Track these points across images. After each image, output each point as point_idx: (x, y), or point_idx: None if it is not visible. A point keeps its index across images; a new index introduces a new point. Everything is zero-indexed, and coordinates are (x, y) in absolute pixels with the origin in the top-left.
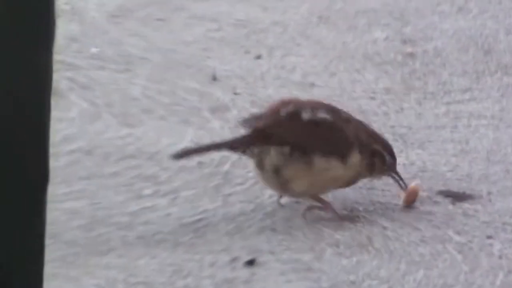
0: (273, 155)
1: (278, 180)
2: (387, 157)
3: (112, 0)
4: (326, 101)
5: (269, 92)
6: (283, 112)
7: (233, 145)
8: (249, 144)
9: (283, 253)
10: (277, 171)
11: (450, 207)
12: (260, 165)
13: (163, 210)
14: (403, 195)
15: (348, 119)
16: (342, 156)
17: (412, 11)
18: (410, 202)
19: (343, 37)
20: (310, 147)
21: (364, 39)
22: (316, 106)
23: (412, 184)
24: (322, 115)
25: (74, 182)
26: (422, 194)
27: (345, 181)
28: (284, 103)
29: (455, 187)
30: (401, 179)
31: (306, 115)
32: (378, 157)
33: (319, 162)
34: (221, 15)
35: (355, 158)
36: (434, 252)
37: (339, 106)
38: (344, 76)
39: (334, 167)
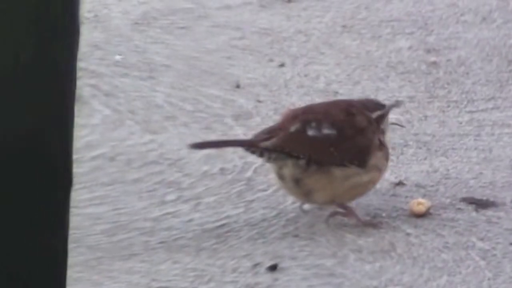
0: (290, 167)
1: (300, 190)
2: (383, 110)
3: (136, 8)
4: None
5: (292, 100)
6: (292, 128)
7: (251, 146)
8: (266, 150)
9: (306, 258)
10: (297, 181)
11: (474, 214)
12: (280, 176)
13: (186, 216)
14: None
15: (358, 127)
16: (361, 161)
17: (436, 21)
18: (417, 213)
19: (367, 46)
20: (324, 159)
21: (388, 48)
22: (321, 118)
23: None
24: (326, 131)
25: (97, 188)
26: (445, 201)
27: (374, 183)
28: (293, 117)
29: (478, 195)
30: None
31: (311, 132)
32: (381, 122)
33: (338, 172)
34: (244, 24)
35: (375, 158)
36: (457, 258)
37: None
38: (368, 84)
39: (354, 174)
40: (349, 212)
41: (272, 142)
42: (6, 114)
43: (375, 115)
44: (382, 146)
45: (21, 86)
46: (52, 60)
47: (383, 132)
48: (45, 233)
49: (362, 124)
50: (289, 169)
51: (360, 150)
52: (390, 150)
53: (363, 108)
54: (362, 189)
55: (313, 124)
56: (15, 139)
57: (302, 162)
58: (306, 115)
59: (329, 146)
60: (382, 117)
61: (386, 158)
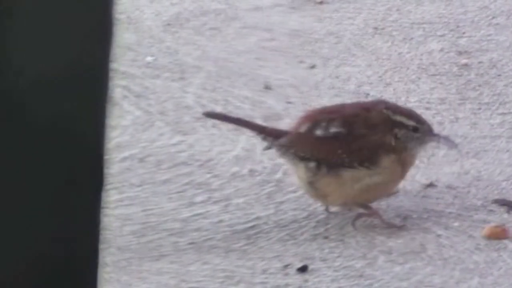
0: (303, 169)
1: (315, 193)
2: (411, 123)
3: (167, 9)
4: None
5: (323, 102)
6: (302, 128)
7: (262, 133)
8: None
9: (335, 260)
10: (311, 184)
11: (505, 215)
12: (297, 178)
13: (215, 217)
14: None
15: (369, 123)
16: (370, 163)
17: (467, 23)
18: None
19: (398, 48)
20: (334, 161)
21: (420, 50)
22: (333, 117)
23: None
24: (334, 129)
25: (127, 189)
26: (477, 202)
27: (387, 186)
28: (307, 117)
29: (510, 196)
30: (447, 138)
31: (319, 132)
32: (398, 127)
33: (347, 174)
34: (274, 25)
35: (386, 160)
36: (488, 260)
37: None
38: (399, 86)
39: (364, 176)
40: (372, 213)
41: (281, 140)
42: (40, 114)
43: (396, 117)
44: (396, 149)
45: (55, 88)
46: (86, 61)
47: (395, 137)
48: (77, 234)
49: (374, 121)
50: (302, 172)
51: (370, 149)
52: (410, 164)
53: (389, 107)
54: (374, 191)
55: (323, 124)
56: (49, 140)
57: (312, 164)
58: (320, 115)
59: (337, 148)
60: (402, 125)
61: (402, 165)
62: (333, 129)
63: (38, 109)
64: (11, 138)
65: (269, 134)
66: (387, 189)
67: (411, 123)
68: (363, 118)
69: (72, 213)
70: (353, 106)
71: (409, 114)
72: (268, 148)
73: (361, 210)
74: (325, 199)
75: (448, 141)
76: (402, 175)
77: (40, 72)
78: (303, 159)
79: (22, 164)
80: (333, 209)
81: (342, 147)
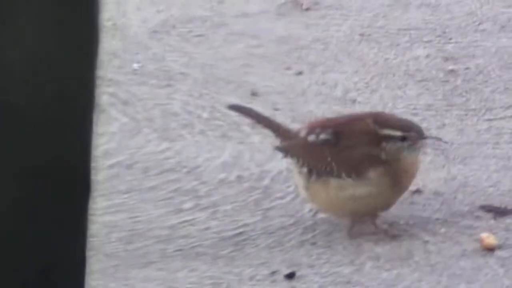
0: (297, 174)
1: (309, 198)
2: (398, 133)
3: (153, 16)
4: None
5: (310, 108)
6: (302, 134)
7: (277, 132)
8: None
9: (323, 266)
10: (306, 189)
11: (492, 222)
12: (295, 181)
13: (203, 224)
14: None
15: (357, 133)
16: (356, 174)
17: (454, 29)
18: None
19: (385, 54)
20: (323, 168)
21: (406, 56)
22: (327, 125)
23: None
24: (323, 136)
25: (114, 196)
26: (464, 208)
27: (376, 198)
28: (307, 125)
29: (497, 202)
30: (437, 138)
31: (311, 138)
32: (385, 140)
33: (334, 182)
34: (261, 32)
35: (373, 173)
36: (475, 266)
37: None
38: (386, 92)
39: (348, 186)
40: (366, 222)
41: (280, 145)
42: (25, 122)
43: (383, 131)
44: (386, 163)
45: (40, 94)
46: (71, 68)
47: (384, 150)
48: (64, 241)
49: (361, 132)
50: (297, 177)
51: (357, 160)
52: (409, 174)
53: (377, 120)
54: (360, 203)
55: (317, 131)
56: (33, 148)
57: (304, 170)
58: (319, 123)
59: (327, 155)
60: (389, 138)
61: (392, 178)
62: (323, 136)
63: (23, 116)
64: None
65: (281, 134)
66: (377, 202)
67: (397, 133)
68: (350, 129)
69: (59, 221)
70: (346, 116)
71: (396, 124)
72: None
73: (354, 220)
74: (316, 206)
75: (437, 139)
76: (394, 188)
77: (26, 79)
78: (298, 164)
79: (7, 172)
80: (323, 215)
81: (331, 155)
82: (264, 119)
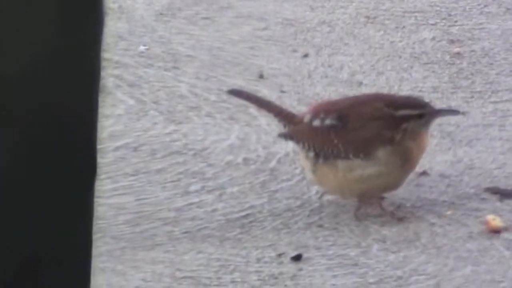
0: (303, 159)
1: (316, 181)
2: (416, 112)
3: None
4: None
5: (316, 90)
6: (305, 119)
7: (280, 116)
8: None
9: (330, 248)
10: (313, 173)
11: (498, 204)
12: (302, 165)
13: (210, 206)
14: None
15: (366, 117)
16: (365, 154)
17: (459, 12)
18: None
19: (390, 36)
20: (330, 151)
21: (412, 39)
22: (331, 109)
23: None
24: (329, 122)
25: (121, 178)
26: (470, 191)
27: (385, 177)
28: (310, 109)
29: (502, 184)
30: (448, 110)
31: (316, 123)
32: (406, 121)
33: (341, 164)
34: (268, 14)
35: (382, 152)
36: (481, 248)
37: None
38: (392, 75)
39: (357, 167)
40: (372, 204)
41: (284, 131)
42: (31, 105)
43: (400, 113)
44: (395, 142)
45: (45, 78)
46: (77, 51)
47: (404, 131)
48: (70, 223)
49: (373, 115)
50: (304, 161)
51: (365, 140)
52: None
53: (389, 103)
54: (369, 183)
55: (321, 115)
56: (39, 130)
57: (311, 154)
58: (322, 107)
59: (333, 138)
60: (409, 118)
61: (402, 157)
62: (328, 121)
63: (30, 99)
64: (2, 127)
65: (284, 118)
66: (386, 181)
67: (415, 112)
68: (357, 112)
69: (66, 203)
70: (349, 99)
71: (410, 104)
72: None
73: (362, 202)
74: (324, 189)
75: (451, 111)
76: (403, 167)
77: (32, 62)
78: (304, 148)
79: (14, 155)
80: (329, 197)
81: (338, 138)
82: (265, 104)
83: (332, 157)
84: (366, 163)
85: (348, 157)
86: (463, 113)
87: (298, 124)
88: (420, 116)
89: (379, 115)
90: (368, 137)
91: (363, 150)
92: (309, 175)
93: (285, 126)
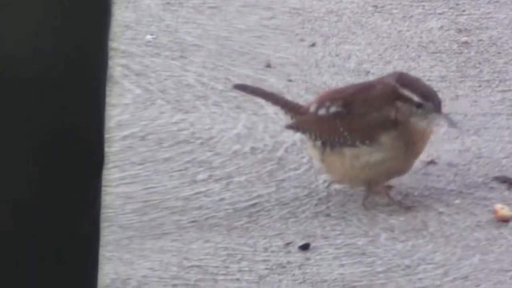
0: (311, 148)
1: (325, 170)
2: (416, 98)
3: None
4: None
5: (324, 79)
6: (311, 109)
7: (286, 107)
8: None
9: (337, 237)
10: (321, 162)
11: (506, 192)
12: (310, 155)
13: (217, 195)
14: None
15: (370, 98)
16: (370, 140)
17: (467, 1)
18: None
19: (398, 26)
20: (336, 139)
21: (419, 28)
22: (336, 97)
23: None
24: (335, 109)
25: (128, 167)
26: (478, 180)
27: (390, 163)
28: (316, 99)
29: (510, 173)
30: (451, 120)
31: (322, 112)
32: (401, 100)
33: (348, 152)
34: (275, 3)
35: (386, 137)
36: (490, 237)
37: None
38: (399, 64)
39: (363, 154)
40: (381, 192)
41: (290, 122)
42: (38, 95)
43: (402, 91)
44: (397, 124)
45: (52, 67)
46: (84, 40)
47: (397, 110)
48: (77, 212)
49: (376, 94)
50: (311, 150)
51: (370, 126)
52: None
53: (399, 79)
54: (375, 170)
55: (327, 104)
56: (47, 119)
57: (318, 143)
58: (327, 95)
59: (339, 126)
60: (407, 100)
61: (405, 142)
62: (333, 109)
63: (37, 88)
64: (11, 116)
65: (291, 109)
66: (392, 166)
67: (415, 98)
68: (363, 96)
69: (73, 192)
70: (355, 85)
71: (418, 89)
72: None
73: (370, 190)
74: (332, 177)
75: (451, 123)
76: (408, 152)
77: (38, 51)
78: (311, 138)
79: (22, 143)
80: (338, 186)
81: (343, 126)
82: (272, 96)
83: (338, 145)
84: (371, 149)
85: (355, 145)
86: (460, 130)
87: (304, 114)
88: (417, 105)
89: (384, 91)
90: (371, 122)
91: (368, 136)
92: (317, 164)
93: (292, 118)
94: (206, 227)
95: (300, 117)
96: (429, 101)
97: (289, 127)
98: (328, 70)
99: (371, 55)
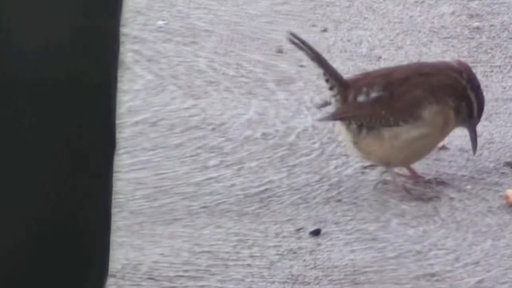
0: (344, 131)
1: (359, 153)
2: (475, 110)
3: None
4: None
5: (335, 65)
6: (349, 98)
7: (330, 75)
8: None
9: (348, 223)
10: (355, 144)
11: None
12: (342, 137)
13: (228, 181)
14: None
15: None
16: (411, 117)
17: None
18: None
19: (410, 11)
20: (375, 122)
21: (431, 13)
22: (372, 82)
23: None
24: (375, 94)
25: (139, 153)
26: (489, 165)
27: (426, 139)
28: (352, 84)
29: None
30: (475, 138)
31: (361, 99)
32: (466, 103)
33: (386, 132)
34: None
35: (429, 111)
36: (501, 222)
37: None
38: (411, 49)
39: (402, 132)
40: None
41: (332, 113)
42: (52, 80)
43: (471, 94)
44: (441, 102)
45: (65, 53)
46: (95, 25)
47: (458, 109)
48: (89, 198)
49: (442, 82)
50: (344, 133)
51: (412, 103)
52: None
53: (468, 81)
54: (415, 147)
55: (364, 90)
56: (61, 105)
57: (353, 126)
58: (364, 81)
59: (380, 110)
60: (470, 105)
61: (444, 119)
62: (374, 94)
63: (50, 75)
64: (22, 103)
65: (333, 78)
66: (428, 143)
67: (475, 110)
68: (403, 77)
69: (84, 178)
70: (389, 68)
71: (480, 100)
72: (320, 106)
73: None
74: (369, 159)
75: (473, 141)
76: (443, 130)
77: (51, 37)
78: (345, 122)
79: (34, 130)
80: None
81: (386, 108)
82: (319, 58)
83: (376, 127)
84: (411, 126)
85: (398, 124)
86: (474, 151)
87: (345, 87)
88: (469, 115)
89: (449, 82)
90: (414, 100)
91: (411, 113)
92: (350, 146)
93: (331, 87)
94: (217, 212)
95: (337, 109)
96: (479, 117)
97: (329, 118)
98: (340, 56)
99: (382, 40)
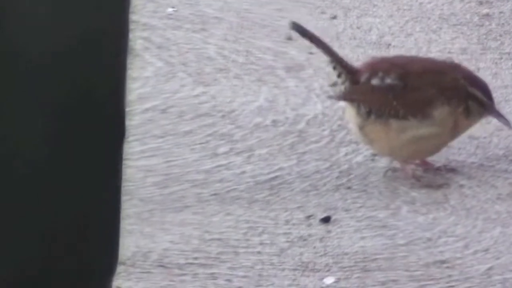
0: (353, 113)
1: (363, 138)
2: (484, 99)
3: None
4: (405, 59)
5: (345, 52)
6: (362, 79)
7: (336, 62)
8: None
9: (358, 210)
10: (361, 128)
11: None
12: (348, 119)
13: (238, 168)
14: None
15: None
16: (422, 115)
17: None
18: None
19: None
20: (385, 111)
21: (441, 0)
22: (390, 69)
23: None
24: (389, 81)
25: (149, 140)
26: (499, 152)
27: (435, 139)
28: (366, 68)
29: None
30: (503, 116)
31: (375, 82)
32: (472, 100)
33: (395, 124)
34: None
35: (440, 111)
36: (510, 209)
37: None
38: (421, 36)
39: (411, 127)
40: (406, 172)
41: (341, 91)
42: (59, 68)
43: (472, 90)
44: (452, 102)
45: (74, 40)
46: (105, 13)
47: (466, 108)
48: (99, 185)
49: (446, 85)
50: (353, 116)
51: (425, 101)
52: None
53: (466, 77)
54: (422, 144)
55: (380, 74)
56: (68, 93)
57: (363, 110)
58: (380, 65)
59: (392, 99)
60: (476, 99)
61: (455, 120)
62: (388, 80)
63: (58, 62)
64: (30, 90)
65: (341, 66)
66: (436, 143)
67: (484, 99)
68: (420, 71)
69: (94, 165)
70: (408, 58)
71: (483, 88)
72: (333, 85)
73: (396, 165)
74: (372, 146)
75: (504, 120)
76: (453, 132)
77: (60, 24)
78: (354, 105)
79: (42, 117)
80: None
81: (397, 99)
82: (326, 46)
83: (386, 115)
84: (421, 123)
85: (406, 118)
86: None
87: (352, 74)
88: (482, 105)
89: (454, 85)
90: (428, 98)
91: (422, 111)
92: (354, 129)
93: (339, 75)
94: (227, 200)
95: (348, 89)
96: (491, 101)
97: (338, 97)
98: (349, 43)
99: (392, 27)
